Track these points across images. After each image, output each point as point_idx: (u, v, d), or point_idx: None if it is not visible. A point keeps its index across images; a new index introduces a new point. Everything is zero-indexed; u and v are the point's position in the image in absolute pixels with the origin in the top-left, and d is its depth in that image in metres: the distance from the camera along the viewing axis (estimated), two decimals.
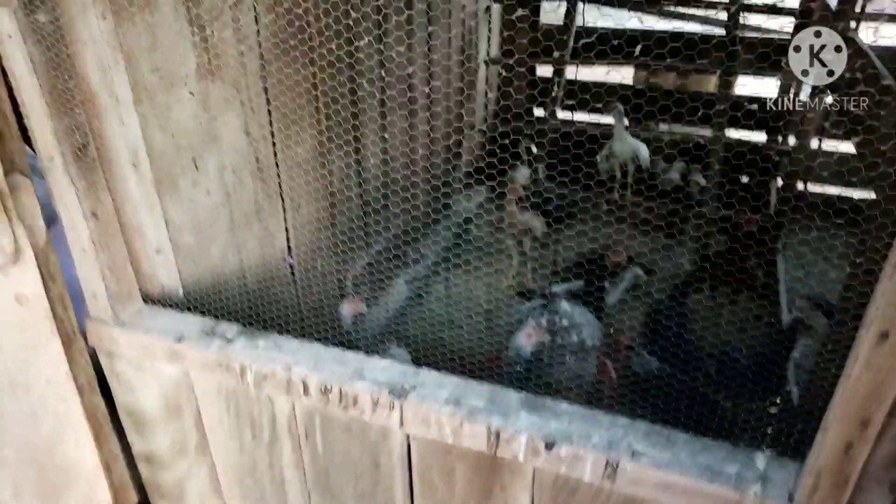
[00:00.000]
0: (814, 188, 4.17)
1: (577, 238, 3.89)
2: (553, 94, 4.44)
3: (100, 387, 2.02)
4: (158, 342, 1.83)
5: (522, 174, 4.63)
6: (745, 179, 4.54)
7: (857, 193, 4.10)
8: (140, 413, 2.02)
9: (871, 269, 1.86)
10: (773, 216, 3.89)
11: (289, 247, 2.78)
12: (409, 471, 1.76)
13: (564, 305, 2.68)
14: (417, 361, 2.57)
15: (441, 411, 1.59)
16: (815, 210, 3.91)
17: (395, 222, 3.55)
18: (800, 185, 3.93)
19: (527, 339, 2.23)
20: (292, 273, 2.80)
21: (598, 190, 4.34)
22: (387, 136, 3.45)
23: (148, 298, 2.01)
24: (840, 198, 4.14)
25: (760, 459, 1.45)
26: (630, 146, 4.07)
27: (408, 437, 1.69)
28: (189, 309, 2.00)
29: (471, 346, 2.91)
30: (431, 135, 3.94)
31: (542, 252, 3.87)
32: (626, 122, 4.01)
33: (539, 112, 4.92)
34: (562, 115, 4.76)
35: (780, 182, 4.36)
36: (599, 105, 4.33)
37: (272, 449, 1.90)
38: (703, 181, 4.32)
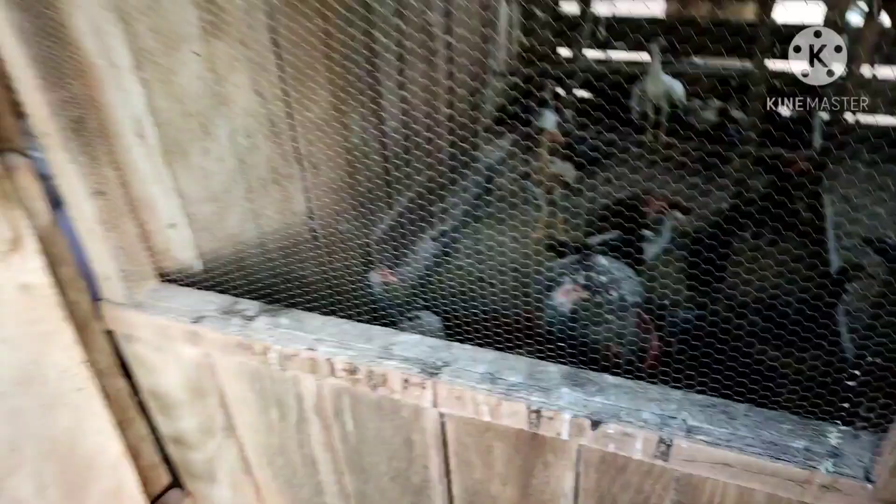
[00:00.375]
0: (865, 119, 3.89)
1: (610, 184, 3.71)
2: (580, 31, 4.18)
3: (123, 369, 1.95)
4: (176, 324, 1.74)
5: (549, 120, 4.42)
6: (786, 113, 4.27)
7: None
8: (164, 395, 1.96)
9: None
10: (818, 154, 3.65)
11: (309, 211, 2.66)
12: (444, 449, 1.67)
13: (602, 260, 2.53)
14: (448, 327, 2.47)
15: (476, 389, 1.48)
16: (865, 143, 3.65)
17: (419, 178, 3.40)
18: (849, 117, 3.67)
19: (565, 296, 2.10)
20: (314, 238, 2.69)
21: (631, 132, 4.12)
22: (406, 87, 3.28)
23: (164, 276, 1.92)
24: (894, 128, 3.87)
25: (832, 433, 1.31)
26: (664, 84, 3.82)
27: (442, 415, 1.59)
28: (207, 286, 1.91)
29: (504, 307, 2.80)
30: (453, 83, 3.75)
31: (573, 201, 3.70)
32: (662, 59, 3.75)
33: (565, 52, 4.67)
34: (590, 54, 4.51)
35: (825, 115, 4.10)
36: (632, 41, 4.07)
37: (301, 428, 1.83)
38: (742, 118, 4.07)
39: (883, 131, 3.89)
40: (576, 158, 3.75)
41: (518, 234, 3.59)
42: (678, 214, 2.77)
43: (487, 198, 3.71)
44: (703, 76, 4.25)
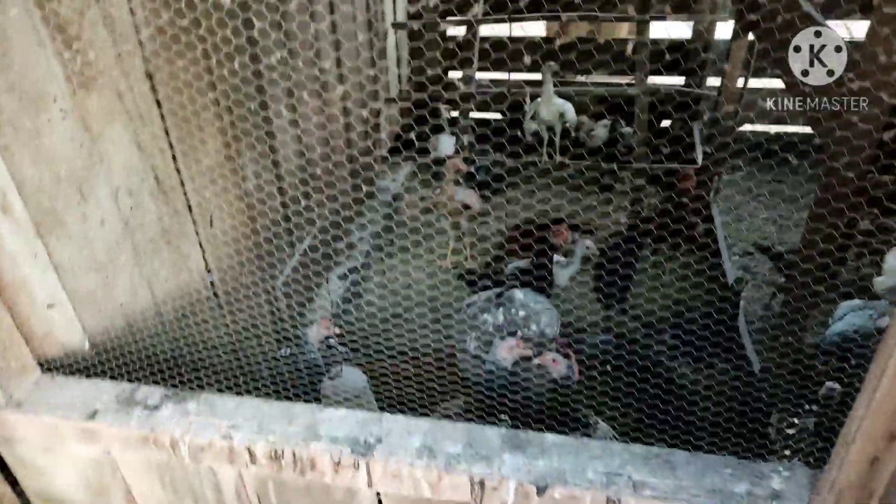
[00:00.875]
0: (741, 130, 4.14)
1: (512, 208, 3.73)
2: (469, 54, 4.19)
3: (4, 472, 1.71)
4: (66, 422, 1.54)
5: (447, 144, 4.41)
6: (669, 126, 4.47)
7: (789, 129, 4.10)
8: (58, 498, 1.73)
9: (825, 209, 1.76)
10: (703, 166, 3.84)
11: (208, 267, 2.47)
12: None
13: (518, 295, 2.51)
14: (374, 378, 2.36)
15: (414, 464, 1.40)
16: (746, 152, 3.87)
17: (321, 214, 3.27)
18: (727, 129, 3.88)
19: (508, 353, 2.05)
20: (215, 294, 2.50)
21: (521, 154, 4.17)
22: (300, 123, 3.14)
23: (47, 365, 1.70)
24: (774, 136, 4.13)
25: (770, 474, 1.33)
26: (557, 106, 3.90)
27: (378, 494, 1.49)
28: (100, 371, 1.71)
29: (424, 347, 2.72)
30: (346, 116, 3.64)
31: (479, 228, 3.69)
32: (554, 81, 3.82)
33: (455, 75, 4.67)
34: (480, 76, 4.53)
35: (705, 127, 4.32)
36: (521, 63, 4.12)
37: None
38: (629, 134, 4.23)
39: (759, 140, 4.16)
40: (478, 184, 3.75)
41: (426, 265, 3.52)
42: (589, 242, 2.81)
43: (392, 230, 3.62)
44: (589, 97, 4.37)
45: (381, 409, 2.20)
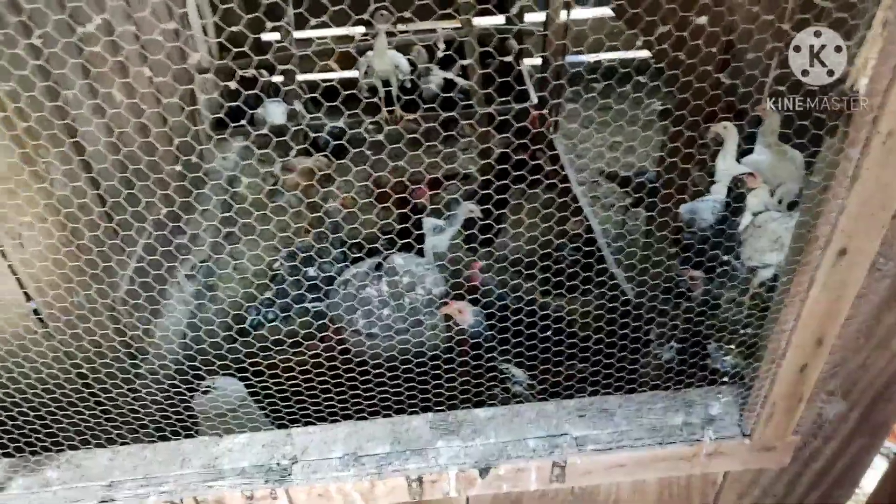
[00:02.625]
0: (572, 60, 4.20)
1: (361, 169, 3.54)
2: (285, 12, 3.85)
3: None
4: None
5: (276, 112, 4.08)
6: (501, 66, 4.43)
7: (620, 55, 4.24)
8: None
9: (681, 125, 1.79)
10: (541, 100, 3.87)
11: (25, 292, 2.06)
12: None
13: (398, 260, 2.36)
14: (251, 385, 2.12)
15: (341, 477, 1.23)
16: (580, 80, 3.92)
17: (152, 210, 2.87)
18: (558, 59, 3.92)
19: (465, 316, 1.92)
20: (42, 324, 2.10)
21: (365, 113, 3.97)
22: (106, 110, 2.69)
23: None
24: (604, 63, 4.23)
25: (702, 401, 1.33)
26: (390, 59, 3.71)
27: None
28: None
29: (305, 334, 2.51)
30: (158, 93, 3.20)
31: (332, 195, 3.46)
32: (386, 33, 3.61)
33: (272, 36, 4.30)
34: (299, 35, 4.22)
35: (536, 62, 4.35)
36: (351, 15, 3.86)
37: None
38: (462, 80, 4.16)
39: (591, 68, 4.26)
40: (319, 149, 3.51)
41: (281, 245, 3.25)
42: (472, 206, 2.69)
43: (232, 216, 3.29)
44: (419, 45, 4.23)
45: (269, 416, 1.99)
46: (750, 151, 2.80)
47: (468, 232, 2.90)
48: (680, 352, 1.83)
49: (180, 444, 1.29)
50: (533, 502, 1.36)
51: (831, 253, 1.01)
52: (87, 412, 1.46)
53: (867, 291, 1.08)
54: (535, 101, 3.94)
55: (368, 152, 3.31)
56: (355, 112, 3.91)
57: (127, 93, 2.91)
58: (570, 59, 3.93)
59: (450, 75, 4.17)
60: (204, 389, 1.99)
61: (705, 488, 1.38)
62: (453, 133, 3.89)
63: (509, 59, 4.27)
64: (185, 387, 2.04)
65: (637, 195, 3.04)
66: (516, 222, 3.30)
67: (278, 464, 1.25)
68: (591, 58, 4.29)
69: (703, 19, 1.54)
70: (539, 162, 3.50)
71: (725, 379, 1.55)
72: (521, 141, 3.34)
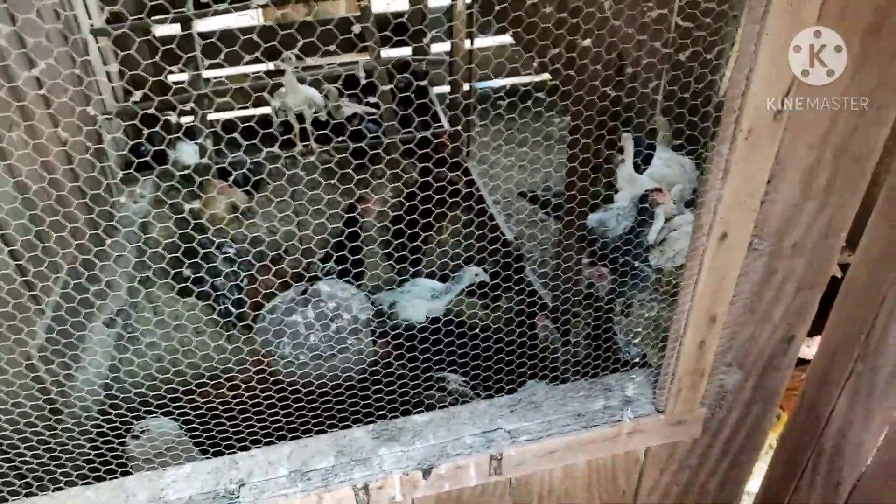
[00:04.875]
0: (481, 84, 4.38)
1: (282, 202, 3.57)
2: (189, 53, 3.86)
3: None
4: None
5: (187, 152, 4.04)
6: (408, 95, 4.56)
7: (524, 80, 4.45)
8: None
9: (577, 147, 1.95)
10: (453, 127, 4.02)
11: None
12: None
13: (324, 287, 2.41)
14: (188, 422, 2.10)
15: (289, 494, 1.27)
16: (488, 105, 4.08)
17: (63, 258, 2.79)
18: (465, 86, 4.08)
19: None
20: None
21: (277, 147, 4.00)
22: (7, 158, 2.62)
23: None
24: (511, 88, 4.43)
25: (618, 384, 1.45)
26: (302, 94, 3.77)
27: None
28: None
29: (239, 362, 2.50)
30: (62, 140, 3.13)
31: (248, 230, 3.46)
32: (295, 68, 3.68)
33: (180, 77, 4.28)
34: (207, 74, 4.22)
35: (444, 89, 4.51)
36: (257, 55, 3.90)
37: None
38: (369, 110, 4.27)
39: (497, 92, 4.46)
40: (238, 184, 3.51)
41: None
42: (477, 270, 2.73)
43: (146, 261, 3.24)
44: (327, 78, 4.31)
45: (208, 452, 1.98)
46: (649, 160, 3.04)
47: (392, 253, 2.98)
48: (592, 345, 1.97)
49: (123, 482, 1.29)
50: (474, 498, 1.44)
51: (714, 238, 1.15)
52: (7, 465, 1.43)
53: (747, 270, 1.23)
54: (447, 126, 4.09)
55: (286, 185, 3.34)
56: (272, 147, 3.94)
57: (31, 136, 2.84)
58: (477, 85, 4.11)
59: (360, 108, 4.28)
60: (134, 434, 1.96)
61: (629, 467, 1.50)
62: (364, 162, 3.99)
63: (419, 87, 4.42)
64: (113, 434, 2.02)
65: (546, 209, 3.21)
66: (440, 242, 3.40)
67: (225, 489, 1.27)
68: (496, 83, 4.51)
69: (587, 41, 1.70)
70: (457, 186, 3.64)
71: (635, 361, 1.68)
72: (438, 167, 3.47)
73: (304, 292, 2.40)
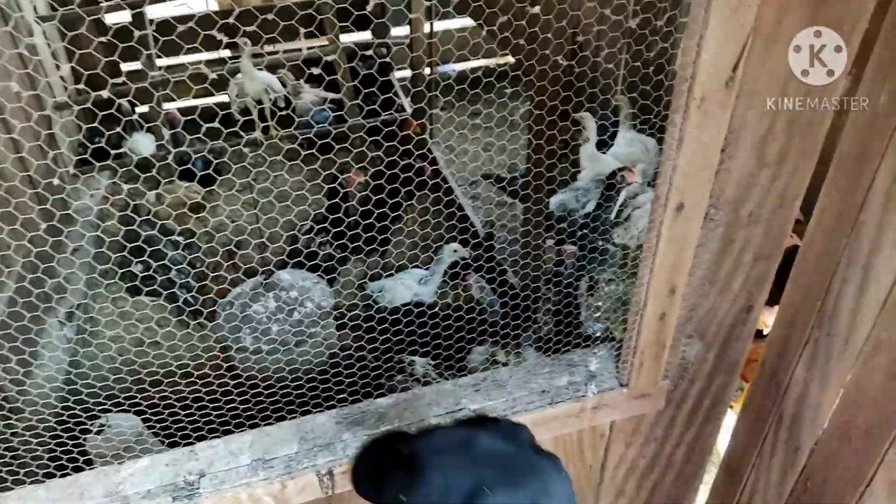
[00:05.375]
0: (441, 70, 4.35)
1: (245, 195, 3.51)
2: (141, 41, 3.74)
3: None
4: None
5: (144, 144, 3.93)
6: (371, 79, 4.50)
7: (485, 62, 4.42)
8: None
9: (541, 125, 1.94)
10: (417, 109, 3.98)
11: None
12: None
13: (284, 275, 2.37)
14: (147, 419, 2.05)
15: (251, 483, 1.25)
16: (451, 89, 4.05)
17: (17, 252, 2.70)
18: (426, 69, 4.04)
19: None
20: None
21: (239, 134, 3.92)
22: None
23: None
24: (472, 70, 4.39)
25: (582, 360, 1.45)
26: (260, 80, 3.70)
27: None
28: None
29: (195, 357, 2.45)
30: (8, 132, 3.03)
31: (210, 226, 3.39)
32: (252, 54, 3.60)
33: (132, 66, 4.16)
34: (161, 62, 4.11)
35: (406, 73, 4.46)
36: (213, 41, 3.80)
37: None
38: (329, 95, 4.21)
39: (459, 76, 4.42)
40: (189, 175, 3.43)
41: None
42: (456, 246, 2.68)
43: (105, 249, 3.15)
44: (286, 63, 4.23)
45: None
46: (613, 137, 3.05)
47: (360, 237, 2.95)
48: (556, 320, 1.97)
49: (77, 478, 1.25)
50: None
51: (671, 209, 1.15)
52: None
53: (705, 241, 1.23)
54: (409, 111, 4.06)
55: (249, 174, 3.28)
56: (233, 131, 3.86)
57: None
58: (439, 69, 4.08)
59: (319, 93, 4.22)
60: (97, 429, 1.92)
61: (595, 442, 1.51)
62: (329, 142, 3.93)
63: (381, 68, 4.36)
64: (77, 429, 1.96)
65: (511, 190, 3.20)
66: (408, 224, 3.38)
67: (185, 480, 1.24)
68: (458, 66, 4.48)
69: (536, 8, 1.68)
70: (422, 167, 3.61)
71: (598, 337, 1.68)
72: (403, 148, 3.43)
73: (266, 280, 2.36)
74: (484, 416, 1.04)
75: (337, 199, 2.81)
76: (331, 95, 4.20)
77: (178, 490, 1.23)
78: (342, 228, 2.61)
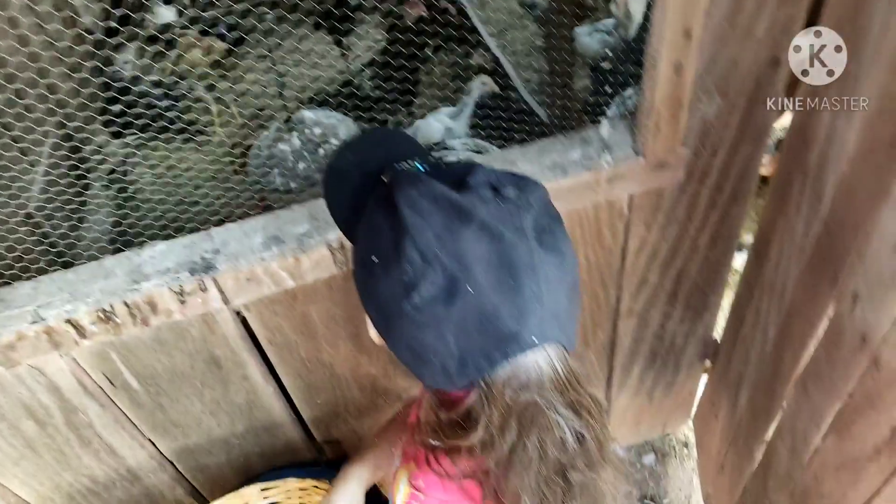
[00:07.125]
0: None
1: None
2: None
3: None
4: None
5: (166, 15, 3.86)
6: None
7: None
8: None
9: None
10: None
11: None
12: (256, 346, 1.46)
13: (309, 114, 2.35)
14: None
15: (265, 258, 1.27)
16: None
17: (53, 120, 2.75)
18: None
19: None
20: None
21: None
22: None
23: None
24: None
25: (594, 133, 1.39)
26: None
27: (237, 311, 1.36)
28: None
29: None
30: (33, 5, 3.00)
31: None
32: None
33: None
34: None
35: None
36: None
37: (74, 423, 1.44)
38: None
39: None
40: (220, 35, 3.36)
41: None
42: (485, 78, 2.55)
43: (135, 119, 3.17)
44: None
45: None
46: None
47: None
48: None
49: (102, 262, 1.30)
50: None
51: None
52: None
53: None
54: None
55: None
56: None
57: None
58: None
59: None
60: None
61: (613, 221, 1.47)
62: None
63: None
64: None
65: (535, 19, 3.02)
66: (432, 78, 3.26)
67: (201, 258, 1.28)
68: None
69: None
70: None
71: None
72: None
73: (287, 120, 2.34)
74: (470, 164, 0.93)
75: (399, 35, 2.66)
76: None
77: (195, 266, 1.26)
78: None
